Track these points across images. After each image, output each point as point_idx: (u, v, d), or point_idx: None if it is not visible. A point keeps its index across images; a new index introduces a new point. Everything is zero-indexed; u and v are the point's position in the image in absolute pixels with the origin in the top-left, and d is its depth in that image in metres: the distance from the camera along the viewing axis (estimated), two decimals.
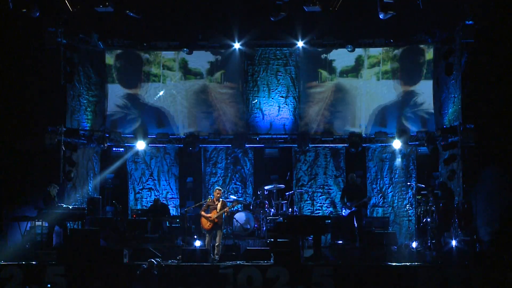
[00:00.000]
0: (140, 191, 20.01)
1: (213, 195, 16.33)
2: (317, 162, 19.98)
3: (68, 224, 16.96)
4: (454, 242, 15.64)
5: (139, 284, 13.54)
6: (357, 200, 17.12)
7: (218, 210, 16.04)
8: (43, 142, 17.87)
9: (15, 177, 17.45)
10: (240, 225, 17.68)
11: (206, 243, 16.01)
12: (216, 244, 16.02)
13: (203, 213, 16.15)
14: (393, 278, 13.81)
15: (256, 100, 20.09)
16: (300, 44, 19.42)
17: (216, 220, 16.01)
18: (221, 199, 16.24)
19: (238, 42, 19.52)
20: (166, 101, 20.00)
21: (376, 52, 19.65)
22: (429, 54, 19.31)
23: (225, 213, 16.39)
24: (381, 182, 19.72)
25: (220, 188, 16.71)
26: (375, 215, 19.33)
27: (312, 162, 19.98)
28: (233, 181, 20.08)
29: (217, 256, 15.55)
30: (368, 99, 19.69)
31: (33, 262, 14.61)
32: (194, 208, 17.41)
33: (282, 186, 18.57)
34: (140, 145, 19.47)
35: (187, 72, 20.03)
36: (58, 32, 18.08)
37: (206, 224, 16.09)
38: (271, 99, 20.11)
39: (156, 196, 19.48)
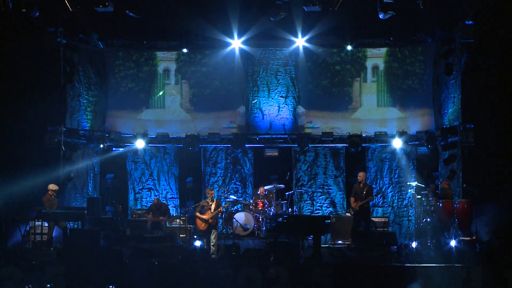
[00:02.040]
0: (140, 191, 20.02)
1: (206, 195, 16.42)
2: (317, 162, 19.99)
3: (68, 224, 16.96)
4: (454, 242, 15.64)
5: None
6: (360, 200, 17.08)
7: (212, 211, 16.08)
8: (43, 142, 17.88)
9: (15, 177, 17.43)
10: (240, 225, 17.70)
11: (203, 242, 16.07)
12: (212, 244, 16.03)
13: (198, 214, 16.20)
14: (393, 278, 13.79)
15: (256, 100, 20.11)
16: (301, 42, 19.39)
17: (210, 221, 16.05)
18: (215, 199, 16.27)
19: (239, 42, 19.52)
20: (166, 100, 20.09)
21: None
22: None
23: (220, 213, 16.42)
24: (380, 182, 19.73)
25: (212, 188, 16.77)
26: (375, 215, 19.32)
27: (312, 162, 19.98)
28: (233, 181, 20.09)
29: (213, 256, 15.57)
30: None
31: (33, 262, 14.59)
32: (193, 208, 17.42)
33: (282, 186, 18.59)
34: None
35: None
36: (58, 32, 18.09)
37: (201, 225, 16.15)
38: (271, 99, 20.12)
39: (156, 196, 19.49)
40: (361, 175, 17.35)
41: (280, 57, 20.08)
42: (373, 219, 18.24)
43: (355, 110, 19.89)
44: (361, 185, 17.19)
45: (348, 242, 17.00)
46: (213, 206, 16.14)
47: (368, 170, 19.79)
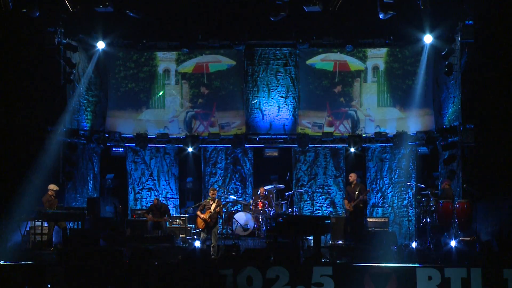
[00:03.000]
0: (140, 191, 20.04)
1: (208, 195, 16.39)
2: (317, 162, 19.99)
3: (68, 224, 16.96)
4: (454, 242, 15.63)
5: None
6: (354, 200, 17.10)
7: (211, 210, 16.07)
8: (43, 142, 17.87)
9: (15, 177, 17.43)
10: (240, 225, 17.70)
11: (201, 241, 16.05)
12: (212, 245, 16.01)
13: (198, 213, 16.19)
14: (393, 278, 13.78)
15: (256, 100, 20.11)
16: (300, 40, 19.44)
17: (209, 220, 16.03)
18: (216, 199, 16.25)
19: (237, 42, 19.52)
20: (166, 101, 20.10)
21: None
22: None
23: (219, 213, 16.39)
24: (380, 182, 19.73)
25: (215, 188, 16.74)
26: (375, 215, 19.33)
27: (312, 162, 19.98)
28: (233, 181, 20.09)
29: (213, 256, 15.56)
30: None
31: (33, 262, 14.58)
32: (193, 208, 17.41)
33: (282, 186, 18.58)
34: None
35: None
36: (58, 32, 18.12)
37: (200, 224, 16.14)
38: (271, 99, 20.12)
39: (156, 196, 19.49)
40: (352, 176, 17.45)
41: (280, 57, 20.09)
42: (373, 219, 18.27)
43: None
44: (353, 185, 17.28)
45: (347, 242, 17.02)
46: (213, 206, 16.14)
47: (368, 170, 19.80)
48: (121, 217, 17.76)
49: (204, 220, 16.06)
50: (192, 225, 17.75)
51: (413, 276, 13.61)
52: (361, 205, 17.10)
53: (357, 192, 17.09)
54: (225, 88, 20.04)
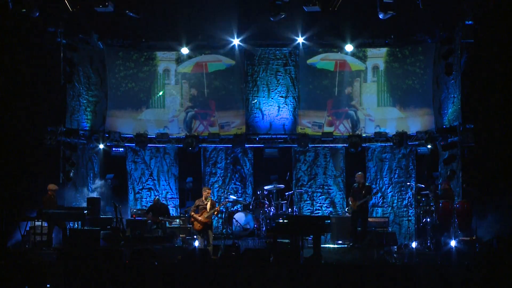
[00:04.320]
0: (140, 191, 20.04)
1: (202, 194, 16.33)
2: (317, 162, 20.00)
3: (68, 224, 16.96)
4: (454, 242, 15.63)
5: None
6: (359, 200, 17.09)
7: (208, 210, 16.04)
8: (43, 142, 17.87)
9: (15, 177, 17.42)
10: (240, 225, 17.70)
11: (199, 243, 16.03)
12: (208, 246, 15.98)
13: (193, 214, 16.13)
14: (393, 278, 13.78)
15: (255, 100, 20.12)
16: (301, 42, 19.43)
17: (206, 221, 16.00)
18: (209, 199, 16.22)
19: (238, 42, 19.53)
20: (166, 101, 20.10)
21: None
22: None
23: (215, 213, 16.37)
24: (380, 182, 19.73)
25: (209, 187, 16.73)
26: (374, 215, 19.33)
27: (311, 162, 19.99)
28: (233, 181, 20.09)
29: (213, 257, 15.56)
30: None
31: (33, 262, 14.58)
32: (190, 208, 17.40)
33: (282, 186, 18.58)
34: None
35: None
36: (58, 32, 18.11)
37: (196, 225, 16.08)
38: (270, 99, 20.13)
39: (156, 196, 19.49)
40: (358, 176, 17.40)
41: (280, 57, 20.10)
42: (373, 219, 18.26)
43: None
44: (360, 185, 17.23)
45: (348, 242, 17.00)
46: (208, 206, 16.10)
47: (368, 170, 19.80)
48: (121, 217, 17.77)
49: (201, 222, 15.98)
50: (191, 225, 17.71)
51: (413, 276, 13.62)
52: (364, 205, 17.08)
53: (363, 192, 17.07)
54: (225, 87, 20.06)
